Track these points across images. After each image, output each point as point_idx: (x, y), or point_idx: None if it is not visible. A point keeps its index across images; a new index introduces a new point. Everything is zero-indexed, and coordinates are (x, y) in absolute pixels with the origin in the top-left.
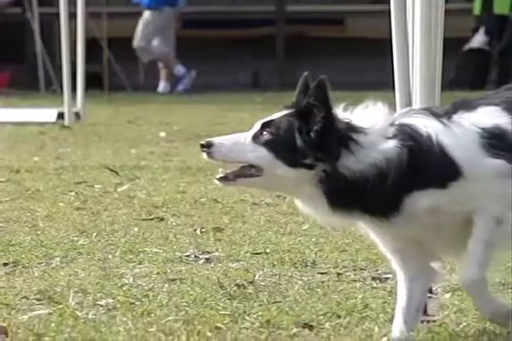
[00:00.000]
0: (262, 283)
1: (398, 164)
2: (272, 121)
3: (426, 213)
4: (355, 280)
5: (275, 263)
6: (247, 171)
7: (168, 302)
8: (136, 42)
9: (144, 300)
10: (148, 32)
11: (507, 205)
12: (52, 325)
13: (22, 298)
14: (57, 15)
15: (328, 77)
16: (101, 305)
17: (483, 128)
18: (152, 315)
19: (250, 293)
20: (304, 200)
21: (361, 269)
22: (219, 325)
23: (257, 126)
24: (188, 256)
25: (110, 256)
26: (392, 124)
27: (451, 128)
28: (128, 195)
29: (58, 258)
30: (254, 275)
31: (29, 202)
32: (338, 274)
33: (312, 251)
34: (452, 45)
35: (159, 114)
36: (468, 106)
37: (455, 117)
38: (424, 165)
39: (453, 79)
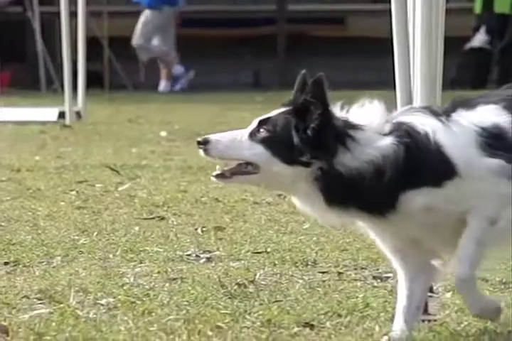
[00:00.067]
0: (262, 282)
1: (394, 161)
2: (268, 118)
3: (421, 211)
4: (356, 280)
5: (276, 262)
6: (244, 168)
7: (169, 302)
8: (135, 40)
9: (144, 299)
10: (147, 30)
11: (502, 206)
12: (53, 324)
13: (23, 297)
14: (57, 14)
15: (329, 76)
16: (102, 305)
17: (481, 128)
18: (153, 314)
19: (251, 292)
20: (301, 198)
21: (362, 268)
22: (220, 324)
23: (254, 124)
24: (188, 255)
25: (111, 255)
26: (390, 122)
27: (450, 126)
28: (129, 194)
29: (59, 258)
30: (255, 275)
31: (30, 201)
32: (339, 273)
33: (313, 250)
34: (453, 44)
35: (160, 113)
36: (468, 104)
37: (454, 116)
38: (420, 163)
39: (454, 78)
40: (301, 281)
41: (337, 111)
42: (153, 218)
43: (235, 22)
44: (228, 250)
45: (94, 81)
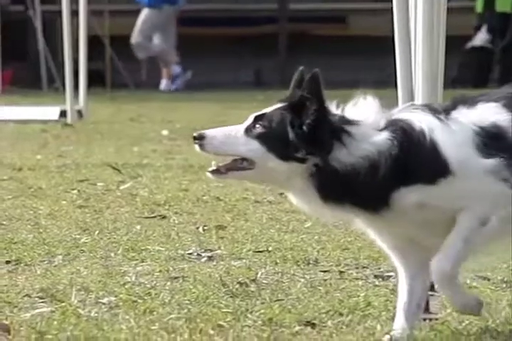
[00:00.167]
0: (264, 281)
1: (389, 157)
2: (264, 114)
3: (414, 208)
4: (357, 279)
5: (277, 261)
6: (239, 164)
7: (170, 301)
8: (134, 38)
9: (146, 298)
10: (145, 28)
11: (494, 207)
12: (55, 323)
13: (24, 296)
14: (59, 13)
15: (330, 75)
16: (103, 303)
17: (480, 127)
18: (154, 313)
19: (252, 291)
20: (296, 194)
21: (363, 267)
22: (221, 323)
23: (250, 119)
24: (190, 254)
25: (112, 254)
26: (387, 118)
27: (448, 124)
28: (130, 192)
29: (60, 256)
30: (257, 274)
31: (31, 200)
32: (341, 272)
33: (314, 249)
34: (454, 43)
35: (162, 111)
36: (469, 102)
37: (454, 113)
38: (415, 160)
39: (455, 77)
40: (302, 280)
41: (333, 108)
42: (154, 217)
43: (236, 21)
44: (230, 249)
45: (95, 80)
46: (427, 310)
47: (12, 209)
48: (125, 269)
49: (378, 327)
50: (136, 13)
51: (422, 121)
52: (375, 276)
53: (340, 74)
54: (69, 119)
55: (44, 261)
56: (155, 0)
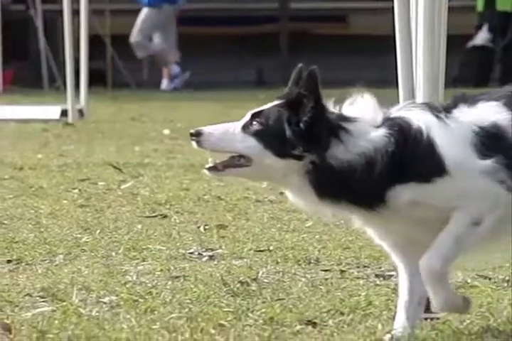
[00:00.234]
0: (265, 281)
1: (385, 153)
2: (261, 111)
3: (408, 206)
4: (358, 278)
5: (278, 260)
6: (237, 161)
7: (171, 300)
8: (133, 37)
9: (147, 297)
10: (145, 28)
11: (488, 208)
12: (56, 322)
13: (25, 295)
14: (60, 12)
15: (331, 74)
16: (104, 303)
17: (479, 126)
18: (155, 312)
19: (254, 290)
20: (293, 191)
21: (364, 266)
22: (222, 322)
23: (247, 116)
24: (191, 253)
25: (113, 254)
26: (385, 116)
27: (446, 123)
28: (131, 192)
29: (62, 256)
30: (258, 273)
31: (33, 199)
32: (342, 271)
33: (315, 248)
34: (456, 42)
35: (163, 111)
36: (469, 100)
37: (455, 112)
38: (411, 157)
39: (456, 76)
40: (303, 279)
41: (331, 106)
42: (155, 216)
43: (237, 20)
44: (231, 248)
45: (96, 79)
46: (428, 309)
47: (13, 209)
48: (126, 268)
49: (379, 326)
50: (137, 12)
51: (420, 119)
52: (376, 275)
53: (341, 73)
54: (70, 118)
55: (45, 260)
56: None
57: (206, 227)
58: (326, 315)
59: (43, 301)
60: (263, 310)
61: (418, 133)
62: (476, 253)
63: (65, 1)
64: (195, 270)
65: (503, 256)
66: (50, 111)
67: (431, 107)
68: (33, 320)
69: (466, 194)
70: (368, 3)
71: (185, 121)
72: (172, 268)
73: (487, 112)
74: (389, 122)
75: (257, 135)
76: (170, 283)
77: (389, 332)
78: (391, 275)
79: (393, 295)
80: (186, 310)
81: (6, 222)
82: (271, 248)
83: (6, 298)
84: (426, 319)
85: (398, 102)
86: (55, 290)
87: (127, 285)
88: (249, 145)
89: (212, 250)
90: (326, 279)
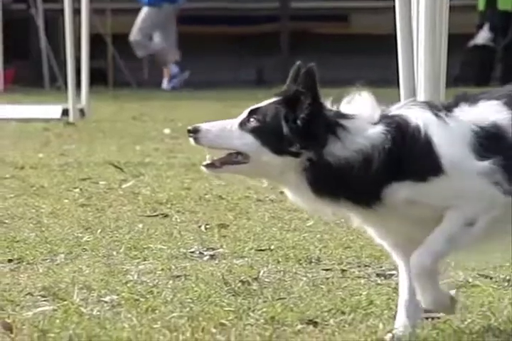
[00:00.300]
0: (266, 280)
1: (382, 150)
2: (259, 108)
3: (404, 204)
4: (359, 277)
5: (280, 259)
6: (234, 158)
7: (172, 299)
8: (133, 36)
9: (148, 296)
10: (145, 27)
11: (483, 210)
12: (57, 321)
13: (27, 295)
14: (61, 11)
15: (332, 74)
16: (105, 302)
17: (479, 126)
18: (157, 311)
19: (255, 290)
20: (290, 188)
21: (366, 266)
22: (223, 321)
23: (245, 113)
24: (192, 252)
25: (115, 253)
26: (384, 113)
27: (446, 122)
28: (132, 191)
29: (63, 255)
30: (259, 272)
31: (34, 198)
32: (343, 271)
33: (317, 247)
34: (457, 42)
35: (164, 110)
36: (470, 100)
37: (456, 111)
38: (407, 155)
39: (458, 75)
40: (304, 279)
41: (328, 104)
42: (156, 215)
43: (238, 20)
44: (232, 247)
45: (97, 78)
46: None
47: (14, 208)
48: (127, 268)
49: (380, 325)
50: (138, 11)
51: (419, 117)
52: (377, 275)
53: (342, 72)
54: (71, 118)
55: (46, 259)
56: None
57: (207, 226)
58: (327, 315)
59: (44, 300)
60: (264, 309)
61: (416, 131)
62: (475, 252)
63: (66, 0)
64: (196, 269)
65: (503, 255)
66: (51, 111)
67: (431, 106)
68: (34, 319)
69: (461, 194)
70: (369, 3)
71: (185, 120)
72: (173, 267)
73: (488, 111)
74: (387, 119)
75: (255, 132)
76: (171, 282)
77: (390, 331)
78: (392, 275)
79: (394, 294)
80: (187, 309)
81: (7, 221)
82: (272, 247)
83: (7, 297)
84: (427, 318)
85: (399, 102)
86: (56, 289)
87: (128, 285)
88: (247, 142)
89: (213, 249)
90: (327, 278)
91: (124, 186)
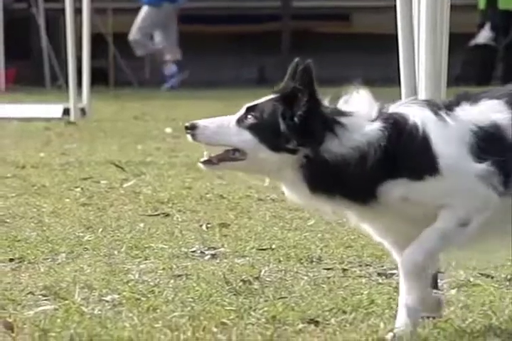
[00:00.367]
0: (267, 279)
1: (378, 147)
2: (256, 105)
3: (398, 202)
4: (360, 276)
5: (281, 258)
6: (231, 155)
7: (173, 298)
8: (132, 35)
9: (149, 295)
10: (144, 26)
11: (476, 211)
12: (58, 320)
13: (28, 294)
14: (62, 10)
15: (334, 73)
16: (107, 301)
17: (478, 126)
18: (158, 310)
19: (256, 289)
20: (287, 185)
21: (367, 265)
22: (225, 320)
23: (242, 110)
24: (193, 251)
25: (116, 252)
26: (382, 110)
27: (445, 121)
28: (134, 190)
29: (64, 254)
30: (260, 271)
31: (35, 197)
32: (344, 270)
33: (318, 246)
34: (458, 41)
35: (165, 109)
36: (472, 98)
37: (456, 110)
38: (404, 153)
39: (459, 74)
40: (305, 278)
41: (327, 103)
42: (158, 215)
43: (240, 18)
44: (233, 247)
45: (99, 77)
46: None
47: (15, 207)
48: (128, 267)
49: (381, 324)
50: (139, 10)
51: (417, 115)
52: (379, 274)
53: (344, 71)
54: (72, 117)
55: (47, 258)
56: None
57: (208, 226)
58: (328, 314)
59: (46, 300)
60: (265, 308)
61: (414, 129)
62: (477, 251)
63: None
64: (197, 268)
65: (505, 254)
66: (53, 110)
67: (431, 104)
68: (35, 319)
69: (456, 194)
70: (371, 2)
71: (187, 119)
72: (174, 266)
73: (488, 111)
74: (385, 117)
75: (252, 129)
76: (172, 281)
77: (391, 330)
78: (393, 274)
79: (395, 293)
80: (188, 308)
81: (8, 220)
82: (273, 246)
83: (8, 297)
84: (428, 317)
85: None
86: (58, 288)
87: (129, 284)
88: (244, 138)
89: (214, 248)
90: (328, 278)
91: (125, 185)
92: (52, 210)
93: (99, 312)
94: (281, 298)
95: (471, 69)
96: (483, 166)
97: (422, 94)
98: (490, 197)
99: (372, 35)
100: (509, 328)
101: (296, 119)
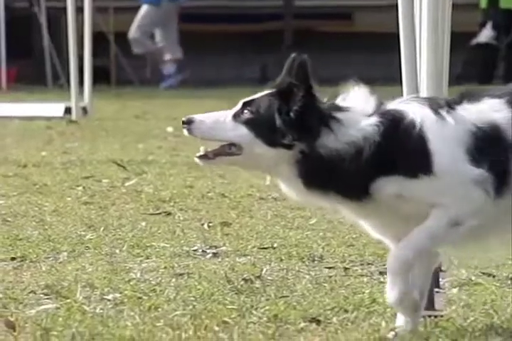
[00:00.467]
0: (269, 278)
1: (373, 143)
2: (253, 100)
3: (391, 199)
4: (362, 275)
5: (282, 257)
6: (227, 150)
7: (175, 297)
8: (131, 33)
9: (151, 294)
10: (144, 24)
11: (468, 214)
12: (60, 319)
13: (29, 293)
14: (64, 9)
15: (336, 72)
16: (108, 300)
17: (477, 126)
18: (159, 309)
19: (257, 288)
20: (283, 180)
21: (368, 264)
22: (226, 319)
23: (239, 105)
24: (195, 250)
25: (117, 251)
26: (380, 107)
27: (443, 119)
28: (135, 189)
29: (66, 253)
30: (262, 270)
31: (36, 196)
32: (346, 269)
33: (319, 245)
34: (459, 40)
35: (166, 108)
36: (474, 97)
37: (458, 108)
38: (399, 150)
39: (460, 74)
40: (307, 277)
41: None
42: (159, 213)
43: (242, 17)
44: (235, 245)
45: (100, 76)
46: (432, 306)
47: (17, 206)
48: (130, 266)
49: (383, 323)
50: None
51: (416, 112)
52: (380, 273)
53: (345, 70)
54: (74, 116)
55: (49, 257)
56: None
57: (210, 225)
58: (329, 313)
59: (47, 298)
60: (267, 307)
61: (410, 126)
62: (478, 250)
63: None
64: (199, 267)
65: (506, 253)
66: (54, 109)
67: (431, 102)
68: (37, 318)
69: (449, 194)
70: (373, 1)
71: None
72: (176, 265)
73: (489, 110)
74: (383, 113)
75: (248, 123)
76: (174, 280)
77: (393, 329)
78: None
79: None
80: (190, 307)
81: (10, 219)
82: (275, 245)
83: (10, 296)
84: (430, 316)
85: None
86: (59, 287)
87: (131, 283)
88: (240, 133)
89: (216, 247)
90: (330, 276)
91: (126, 184)
92: (54, 209)
93: (101, 310)
94: (283, 296)
95: (473, 68)
96: (479, 171)
97: (424, 93)
98: (483, 201)
99: (374, 34)
100: (511, 327)
101: (292, 114)
